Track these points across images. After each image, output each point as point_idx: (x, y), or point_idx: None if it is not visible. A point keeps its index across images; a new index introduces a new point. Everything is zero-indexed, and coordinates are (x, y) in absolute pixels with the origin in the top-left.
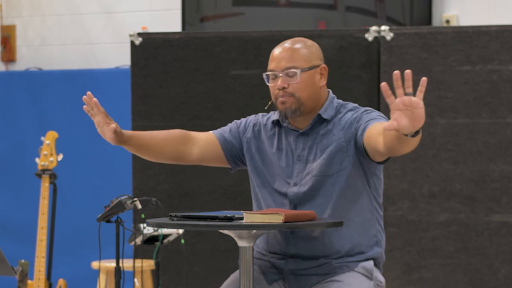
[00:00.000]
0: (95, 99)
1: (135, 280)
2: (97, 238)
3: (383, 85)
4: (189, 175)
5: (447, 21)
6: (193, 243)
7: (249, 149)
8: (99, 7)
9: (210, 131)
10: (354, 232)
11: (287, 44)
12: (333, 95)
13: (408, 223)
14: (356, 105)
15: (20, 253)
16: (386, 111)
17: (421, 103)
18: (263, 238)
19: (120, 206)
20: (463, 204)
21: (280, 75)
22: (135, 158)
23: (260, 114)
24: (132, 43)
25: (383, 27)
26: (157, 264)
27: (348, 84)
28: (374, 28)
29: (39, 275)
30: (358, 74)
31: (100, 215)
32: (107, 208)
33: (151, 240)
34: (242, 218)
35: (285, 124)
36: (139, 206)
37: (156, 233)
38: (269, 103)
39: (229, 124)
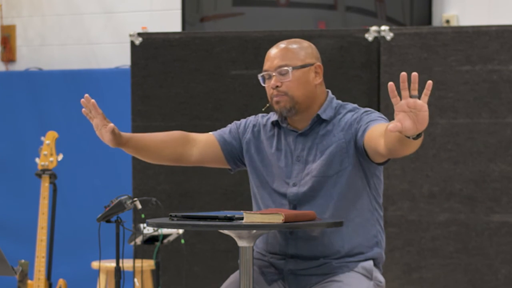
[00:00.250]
0: (93, 100)
1: (135, 280)
2: (97, 238)
3: (391, 84)
4: (189, 175)
5: (447, 21)
6: (193, 243)
7: (249, 150)
8: (99, 7)
9: (210, 132)
10: (354, 233)
11: (281, 44)
12: (332, 96)
13: (408, 223)
14: (355, 105)
15: (20, 253)
16: (386, 111)
17: (426, 106)
18: (262, 238)
19: (120, 206)
20: (463, 204)
21: (274, 74)
22: (135, 158)
23: (260, 114)
24: (132, 43)
25: (383, 27)
26: (157, 264)
27: (348, 84)
28: (374, 28)
29: (39, 275)
30: (358, 74)
31: (100, 215)
32: (107, 208)
33: (151, 240)
34: (242, 218)
35: (284, 125)
36: (139, 206)
37: (156, 233)
38: (267, 105)
39: (229, 125)
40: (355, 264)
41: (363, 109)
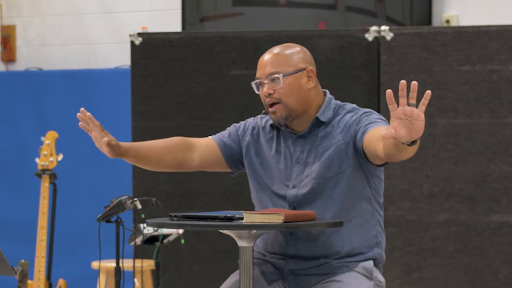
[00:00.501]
0: (88, 114)
1: (135, 280)
2: (97, 238)
3: (389, 92)
4: (189, 175)
5: (447, 21)
6: (193, 243)
7: (248, 152)
8: (99, 7)
9: (209, 136)
10: (354, 234)
11: (272, 50)
12: (331, 96)
13: (408, 223)
14: (354, 105)
15: (20, 253)
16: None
17: (422, 116)
18: (262, 238)
19: (120, 206)
20: (463, 204)
21: (266, 81)
22: None
23: (259, 116)
24: (132, 43)
25: (383, 27)
26: (157, 264)
27: (348, 84)
28: (374, 28)
29: (39, 275)
30: (358, 74)
31: (100, 215)
32: (107, 208)
33: (151, 240)
34: (242, 218)
35: (283, 128)
36: (139, 206)
37: (156, 233)
38: (263, 111)
39: (228, 128)
40: (355, 264)
41: (362, 110)
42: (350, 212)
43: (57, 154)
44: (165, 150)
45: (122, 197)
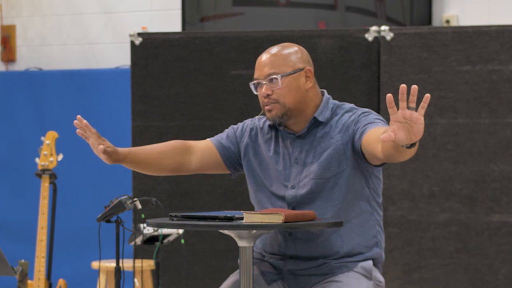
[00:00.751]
0: (85, 121)
1: (135, 280)
2: (97, 238)
3: (389, 96)
4: (189, 175)
5: (447, 21)
6: (193, 243)
7: (246, 154)
8: (99, 7)
9: (207, 139)
10: (353, 234)
11: (270, 50)
12: (329, 96)
13: (408, 223)
14: (352, 105)
15: (20, 253)
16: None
17: (422, 119)
18: (261, 239)
19: (120, 206)
20: (463, 204)
21: (264, 82)
22: None
23: (257, 117)
24: (132, 43)
25: (383, 27)
26: (157, 264)
27: (348, 84)
28: (374, 28)
29: (39, 275)
30: (358, 74)
31: (100, 215)
32: (107, 208)
33: (151, 240)
34: (242, 218)
35: (281, 128)
36: (139, 206)
37: (156, 233)
38: (261, 112)
39: (226, 130)
40: (355, 264)
41: (360, 110)
42: (349, 212)
43: (57, 154)
44: (163, 154)
45: (122, 197)
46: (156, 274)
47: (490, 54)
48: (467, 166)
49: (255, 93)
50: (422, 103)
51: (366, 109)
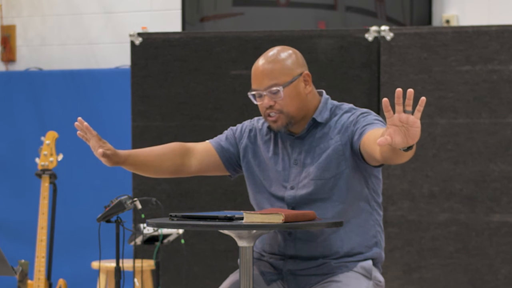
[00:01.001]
0: (85, 123)
1: (135, 280)
2: (97, 238)
3: (385, 100)
4: None
5: (447, 21)
6: (193, 243)
7: (245, 155)
8: (99, 7)
9: (207, 141)
10: (353, 234)
11: (265, 60)
12: (327, 96)
13: (408, 223)
14: (351, 105)
15: (20, 253)
16: None
17: (418, 122)
18: (261, 238)
19: (120, 206)
20: (463, 204)
21: (264, 93)
22: None
23: (256, 118)
24: (132, 43)
25: (383, 27)
26: (157, 264)
27: (348, 84)
28: (374, 28)
29: (39, 275)
30: (358, 74)
31: (100, 215)
32: (107, 208)
33: (151, 240)
34: (242, 218)
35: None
36: (139, 206)
37: (156, 233)
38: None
39: (225, 132)
40: (354, 264)
41: (359, 111)
42: (348, 212)
43: (57, 154)
44: (163, 156)
45: (122, 197)
46: (156, 274)
47: (490, 54)
48: (467, 166)
49: (255, 103)
50: (418, 106)
51: (365, 110)
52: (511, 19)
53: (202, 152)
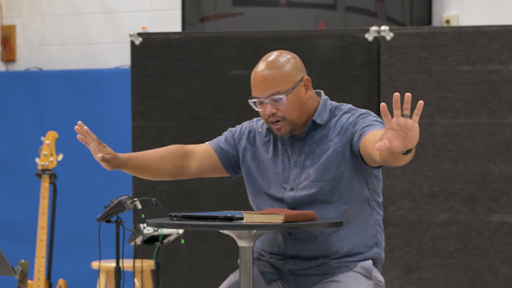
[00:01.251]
0: (85, 127)
1: (135, 280)
2: (97, 238)
3: (383, 105)
4: None
5: (447, 21)
6: (193, 243)
7: (244, 157)
8: (99, 7)
9: (206, 143)
10: (353, 234)
11: (265, 66)
12: (326, 97)
13: (408, 223)
14: (351, 106)
15: (20, 253)
16: None
17: (416, 126)
18: (261, 238)
19: (120, 206)
20: (463, 204)
21: (266, 101)
22: None
23: (255, 119)
24: (132, 43)
25: (383, 27)
26: (157, 264)
27: (348, 84)
28: (374, 28)
29: (39, 275)
30: (358, 74)
31: (100, 215)
32: (107, 208)
33: (151, 240)
34: (242, 218)
35: None
36: (139, 206)
37: (156, 233)
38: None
39: (224, 133)
40: (354, 264)
41: (359, 112)
42: (348, 212)
43: (57, 154)
44: (163, 159)
45: (122, 197)
46: (156, 274)
47: (490, 54)
48: (467, 166)
49: (256, 109)
50: (416, 110)
51: (364, 110)
52: (511, 19)
53: (202, 154)
